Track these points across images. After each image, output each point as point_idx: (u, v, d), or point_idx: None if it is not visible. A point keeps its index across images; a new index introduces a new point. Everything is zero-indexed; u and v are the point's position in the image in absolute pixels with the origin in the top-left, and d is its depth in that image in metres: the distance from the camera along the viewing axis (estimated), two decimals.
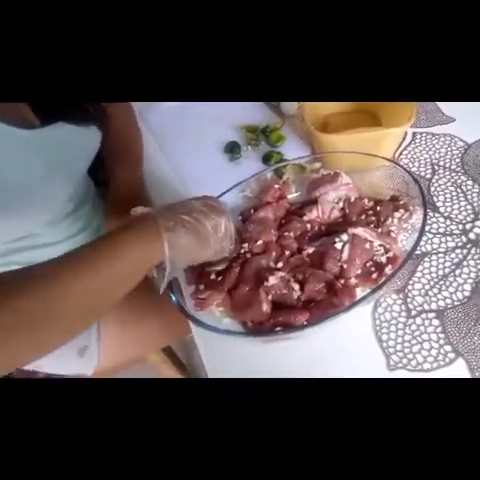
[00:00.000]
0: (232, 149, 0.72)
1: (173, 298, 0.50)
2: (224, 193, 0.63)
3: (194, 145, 0.75)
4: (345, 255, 0.50)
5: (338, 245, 0.50)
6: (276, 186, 0.63)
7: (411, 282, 0.53)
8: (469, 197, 0.59)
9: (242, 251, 0.56)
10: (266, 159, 0.70)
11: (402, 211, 0.53)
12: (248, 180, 0.64)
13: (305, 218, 0.58)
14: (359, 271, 0.50)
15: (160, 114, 0.80)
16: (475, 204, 0.58)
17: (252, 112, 0.77)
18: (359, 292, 0.48)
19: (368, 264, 0.50)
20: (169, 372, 0.99)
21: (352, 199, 0.59)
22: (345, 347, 0.50)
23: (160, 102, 0.81)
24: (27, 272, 0.36)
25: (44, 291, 0.35)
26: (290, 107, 0.75)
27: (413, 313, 0.51)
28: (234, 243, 0.50)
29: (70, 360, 0.73)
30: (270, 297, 0.50)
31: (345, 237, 0.51)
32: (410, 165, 0.64)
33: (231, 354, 0.51)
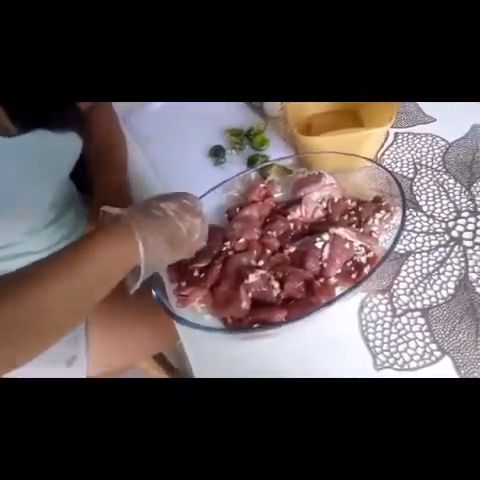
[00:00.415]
0: (217, 153, 0.72)
1: (154, 294, 0.50)
2: (209, 192, 0.63)
3: (178, 149, 0.74)
4: (325, 254, 0.50)
5: (319, 244, 0.50)
6: (261, 185, 0.63)
7: (396, 281, 0.53)
8: (451, 195, 0.59)
9: (224, 249, 0.57)
10: (251, 162, 0.70)
11: (383, 212, 0.53)
12: (233, 180, 0.65)
13: (289, 217, 0.58)
14: (339, 270, 0.50)
15: (144, 119, 0.80)
16: (457, 202, 0.58)
17: (235, 115, 0.77)
18: (339, 291, 0.48)
19: (348, 264, 0.50)
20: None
21: (336, 199, 0.59)
22: (332, 347, 0.49)
23: (144, 105, 0.81)
24: (7, 278, 0.36)
25: (26, 296, 0.35)
26: (273, 108, 0.75)
27: (398, 312, 0.51)
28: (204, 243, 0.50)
29: (58, 370, 0.72)
30: (250, 295, 0.50)
31: (326, 237, 0.51)
32: (392, 165, 0.64)
33: (218, 355, 0.51)
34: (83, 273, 0.38)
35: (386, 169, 0.55)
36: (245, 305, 0.50)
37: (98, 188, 0.68)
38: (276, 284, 0.51)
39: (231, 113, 0.77)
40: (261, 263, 0.54)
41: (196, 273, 0.55)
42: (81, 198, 0.77)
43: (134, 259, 0.41)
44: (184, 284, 0.54)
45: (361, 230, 0.52)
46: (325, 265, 0.50)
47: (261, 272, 0.52)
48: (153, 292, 0.50)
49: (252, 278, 0.51)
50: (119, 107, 0.78)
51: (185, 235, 0.44)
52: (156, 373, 0.97)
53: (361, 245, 0.52)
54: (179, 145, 0.75)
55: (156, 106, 0.81)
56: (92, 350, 0.74)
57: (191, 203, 0.46)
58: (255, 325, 0.48)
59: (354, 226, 0.53)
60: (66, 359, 0.72)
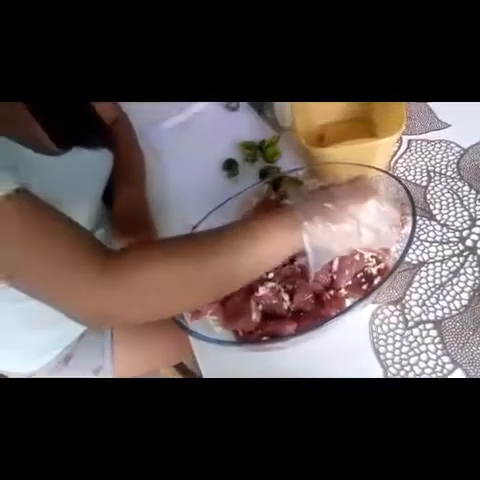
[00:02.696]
0: (230, 166, 0.73)
1: None
2: (222, 204, 0.64)
3: (193, 163, 0.76)
4: (335, 266, 0.50)
5: None
6: (273, 197, 0.64)
7: (408, 292, 0.52)
8: (465, 203, 0.58)
9: None
10: (263, 175, 0.71)
11: None
12: (246, 192, 0.66)
13: None
14: (349, 282, 0.50)
15: (160, 133, 0.83)
16: (471, 210, 0.57)
17: (249, 127, 0.79)
18: (349, 303, 0.49)
19: (359, 275, 0.50)
20: None
21: None
22: (342, 359, 0.49)
23: (159, 122, 0.83)
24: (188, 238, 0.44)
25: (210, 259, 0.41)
26: (286, 120, 0.75)
27: (410, 324, 0.50)
28: (396, 228, 0.45)
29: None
30: (260, 307, 0.51)
31: None
32: (406, 173, 0.64)
33: (227, 361, 0.52)
34: (248, 251, 0.41)
35: (396, 178, 0.54)
36: (255, 318, 0.51)
37: (118, 202, 0.70)
38: (286, 296, 0.52)
39: (245, 126, 0.79)
40: (271, 275, 0.54)
41: None
42: (109, 214, 0.80)
43: (295, 249, 0.42)
44: None
45: None
46: (335, 277, 0.50)
47: (271, 284, 0.53)
48: None
49: (262, 291, 0.52)
50: (135, 123, 0.80)
51: (357, 218, 0.42)
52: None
53: (372, 256, 0.51)
54: (193, 159, 0.77)
55: (170, 122, 0.83)
56: (117, 360, 0.76)
57: (363, 184, 0.45)
58: (265, 338, 0.49)
59: None
60: (93, 369, 0.75)
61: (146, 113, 0.82)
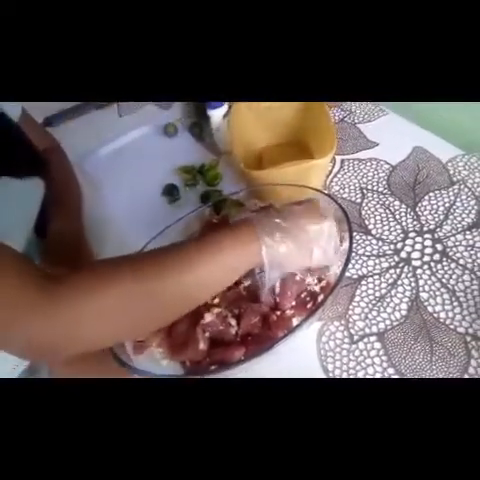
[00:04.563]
0: (170, 192, 0.72)
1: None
2: (163, 231, 0.63)
3: (132, 191, 0.75)
4: (277, 288, 0.50)
5: None
6: (214, 220, 0.64)
7: (351, 307, 0.54)
8: (398, 217, 0.61)
9: None
10: (205, 198, 0.71)
11: None
12: (188, 217, 0.65)
13: None
14: (294, 302, 0.50)
15: (96, 161, 0.80)
16: (404, 223, 0.60)
17: (188, 152, 0.79)
18: (296, 323, 0.49)
19: (303, 295, 0.50)
20: None
21: None
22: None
23: (94, 150, 0.81)
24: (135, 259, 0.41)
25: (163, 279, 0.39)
26: (225, 144, 0.76)
27: (355, 338, 0.51)
28: (338, 253, 0.46)
29: None
30: (207, 334, 0.49)
31: None
32: (341, 191, 0.66)
33: None
34: (207, 269, 0.40)
35: (331, 197, 0.56)
36: (202, 346, 0.49)
37: (51, 235, 0.67)
38: (233, 321, 0.51)
39: (183, 152, 0.79)
40: (216, 300, 0.54)
41: None
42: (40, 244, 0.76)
43: (255, 263, 0.42)
44: None
45: None
46: (278, 299, 0.50)
47: (217, 310, 0.52)
48: None
49: (208, 317, 0.51)
50: (70, 152, 0.77)
51: (311, 237, 0.42)
52: None
53: (312, 275, 0.52)
54: (133, 187, 0.75)
55: (107, 149, 0.81)
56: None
57: (317, 207, 0.46)
58: (213, 366, 0.48)
59: None
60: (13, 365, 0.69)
61: (81, 140, 0.80)
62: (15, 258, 0.38)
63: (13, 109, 0.64)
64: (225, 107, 0.73)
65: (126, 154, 0.80)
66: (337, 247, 0.46)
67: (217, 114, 0.73)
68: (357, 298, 0.54)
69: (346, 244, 0.54)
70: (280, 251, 0.41)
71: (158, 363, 0.50)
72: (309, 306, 0.50)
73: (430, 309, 0.51)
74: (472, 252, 0.55)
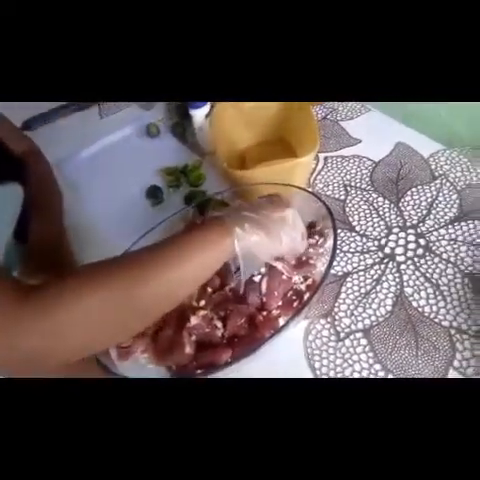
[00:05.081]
0: (154, 193, 0.72)
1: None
2: (148, 232, 0.62)
3: (115, 194, 0.74)
4: (263, 288, 0.50)
5: (256, 278, 0.50)
6: (198, 222, 0.63)
7: (337, 304, 0.54)
8: (381, 213, 0.61)
9: None
10: (189, 199, 0.70)
11: (317, 237, 0.54)
12: (172, 218, 0.64)
13: None
14: (280, 302, 0.50)
15: (77, 164, 0.79)
16: (387, 219, 0.60)
17: (170, 153, 0.78)
18: (282, 322, 0.48)
19: (289, 294, 0.50)
20: None
21: None
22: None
23: (75, 153, 0.80)
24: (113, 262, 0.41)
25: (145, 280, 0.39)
26: (208, 144, 0.76)
27: (342, 335, 0.51)
28: (305, 239, 0.49)
29: None
30: (193, 338, 0.49)
31: (263, 269, 0.51)
32: (325, 188, 0.66)
33: None
34: (173, 274, 0.40)
35: (314, 194, 0.56)
36: (189, 350, 0.49)
37: (31, 240, 0.65)
38: (219, 323, 0.51)
39: (166, 153, 0.78)
40: (202, 303, 0.53)
41: None
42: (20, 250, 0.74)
43: (228, 257, 0.42)
44: None
45: (295, 260, 0.53)
46: (264, 299, 0.50)
47: (203, 313, 0.51)
48: None
49: (194, 320, 0.50)
50: (51, 156, 0.76)
51: (279, 225, 0.45)
52: None
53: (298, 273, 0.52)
54: (115, 189, 0.74)
55: (88, 152, 0.80)
56: None
57: (280, 198, 0.48)
58: (199, 370, 0.47)
59: None
60: None
61: (61, 143, 0.78)
62: None
63: None
64: (207, 106, 0.73)
65: (108, 156, 0.79)
66: (304, 233, 0.48)
67: (199, 114, 0.72)
68: (342, 295, 0.54)
69: (330, 241, 0.54)
70: (252, 240, 0.43)
71: (144, 368, 0.50)
72: (295, 305, 0.50)
73: (415, 304, 0.52)
74: (455, 246, 0.55)
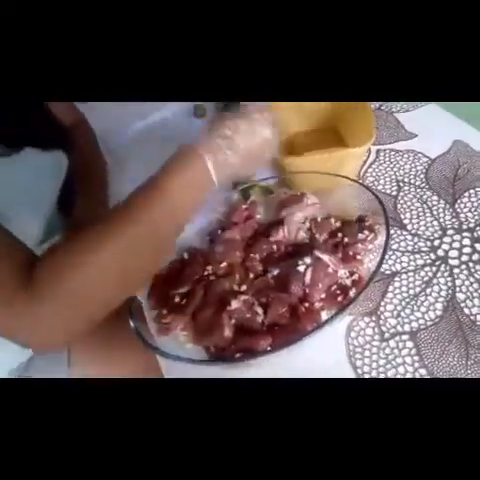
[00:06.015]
0: None
1: (132, 325, 0.47)
2: None
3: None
4: (308, 279, 0.48)
5: (301, 268, 0.49)
6: (243, 207, 0.62)
7: (383, 303, 0.51)
8: (435, 213, 0.58)
9: (206, 273, 0.55)
10: (233, 183, 0.69)
11: (367, 232, 0.52)
12: (215, 201, 0.63)
13: (271, 239, 0.57)
14: (323, 295, 0.48)
15: (123, 140, 0.79)
16: (441, 220, 0.57)
17: None
18: (324, 315, 0.47)
19: (333, 287, 0.48)
20: None
21: (319, 219, 0.58)
22: (319, 374, 0.47)
23: (120, 128, 0.79)
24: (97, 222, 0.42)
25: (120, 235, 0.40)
26: None
27: (386, 336, 0.49)
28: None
29: None
30: (233, 321, 0.48)
31: (308, 260, 0.49)
32: (375, 183, 0.64)
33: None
34: (158, 207, 0.42)
35: (368, 188, 0.54)
36: (228, 333, 0.48)
37: (76, 210, 0.66)
38: (260, 310, 0.49)
39: None
40: (244, 288, 0.52)
41: (177, 299, 0.53)
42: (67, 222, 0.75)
43: (207, 181, 0.44)
44: (165, 311, 0.52)
45: (342, 254, 0.51)
46: (307, 290, 0.49)
47: (244, 297, 0.50)
48: (131, 323, 0.48)
49: (235, 304, 0.49)
50: (98, 128, 0.76)
51: (256, 149, 0.46)
52: None
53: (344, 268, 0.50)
54: (158, 167, 0.73)
55: (134, 128, 0.80)
56: (74, 368, 0.71)
57: (260, 115, 0.47)
58: (238, 354, 0.46)
59: (338, 248, 0.51)
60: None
61: (108, 118, 0.78)
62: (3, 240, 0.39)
63: None
64: None
65: (154, 134, 0.79)
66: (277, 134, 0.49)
67: None
68: (389, 295, 0.52)
69: (381, 238, 0.52)
70: (228, 172, 0.45)
71: (182, 346, 0.49)
72: (339, 299, 0.48)
73: (467, 311, 0.49)
74: None
